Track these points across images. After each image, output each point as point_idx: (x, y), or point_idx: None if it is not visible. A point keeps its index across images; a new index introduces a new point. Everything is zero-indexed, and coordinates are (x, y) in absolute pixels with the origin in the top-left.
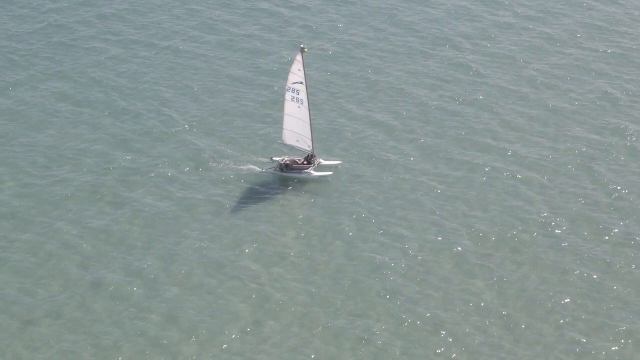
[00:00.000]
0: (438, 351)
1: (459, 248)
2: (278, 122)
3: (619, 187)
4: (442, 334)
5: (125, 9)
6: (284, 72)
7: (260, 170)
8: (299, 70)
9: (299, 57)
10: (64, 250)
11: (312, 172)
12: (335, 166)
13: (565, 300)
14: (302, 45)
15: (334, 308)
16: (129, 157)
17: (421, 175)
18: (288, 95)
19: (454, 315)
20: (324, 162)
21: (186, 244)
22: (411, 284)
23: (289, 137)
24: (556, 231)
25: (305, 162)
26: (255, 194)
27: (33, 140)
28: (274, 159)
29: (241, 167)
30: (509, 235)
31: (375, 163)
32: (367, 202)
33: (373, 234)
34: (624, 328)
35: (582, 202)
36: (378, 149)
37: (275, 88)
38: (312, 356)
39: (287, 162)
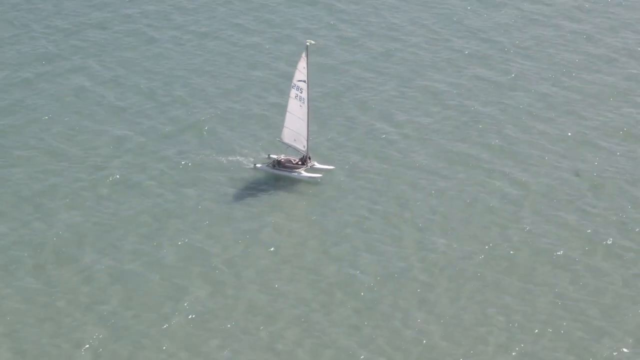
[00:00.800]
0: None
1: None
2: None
3: None
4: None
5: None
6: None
7: (254, 165)
8: (304, 68)
9: (304, 55)
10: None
11: (302, 172)
12: (329, 171)
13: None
14: (307, 42)
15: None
16: (131, 154)
17: (422, 177)
18: (292, 93)
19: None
20: (317, 166)
21: (175, 239)
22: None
23: (287, 136)
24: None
25: (299, 163)
26: (248, 189)
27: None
28: (271, 156)
29: (237, 161)
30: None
31: (375, 164)
32: (362, 201)
33: (369, 233)
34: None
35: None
36: (379, 150)
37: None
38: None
39: (281, 159)
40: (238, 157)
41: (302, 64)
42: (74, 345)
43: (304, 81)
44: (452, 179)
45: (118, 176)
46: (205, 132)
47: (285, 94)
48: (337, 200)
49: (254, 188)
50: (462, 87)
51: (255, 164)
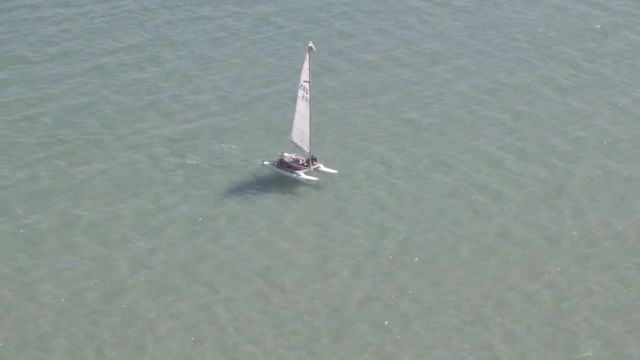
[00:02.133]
0: None
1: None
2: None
3: None
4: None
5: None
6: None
7: (262, 162)
8: (308, 68)
9: (308, 55)
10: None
11: (301, 174)
12: (332, 175)
13: None
14: (310, 44)
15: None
16: (135, 150)
17: (423, 179)
18: (300, 93)
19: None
20: (322, 168)
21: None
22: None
23: (295, 135)
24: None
25: (304, 164)
26: (247, 188)
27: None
28: (284, 154)
29: (246, 158)
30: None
31: (376, 167)
32: (364, 205)
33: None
34: None
35: None
36: (380, 153)
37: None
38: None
39: (286, 159)
40: (246, 154)
41: (306, 65)
42: None
43: (308, 82)
44: (455, 185)
45: (118, 175)
46: (215, 127)
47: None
48: (334, 205)
49: (253, 187)
50: (471, 91)
51: (262, 162)
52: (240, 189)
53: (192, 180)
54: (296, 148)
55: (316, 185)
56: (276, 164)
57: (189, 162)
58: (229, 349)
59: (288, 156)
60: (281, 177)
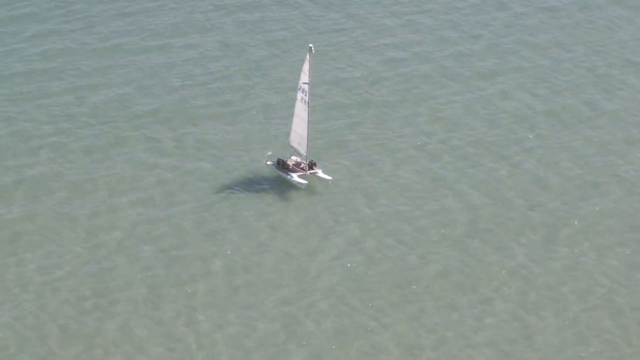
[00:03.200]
0: None
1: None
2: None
3: None
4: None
5: None
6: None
7: (266, 162)
8: (308, 70)
9: (308, 57)
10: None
11: (294, 176)
12: (326, 181)
13: None
14: (310, 45)
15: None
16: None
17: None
18: (298, 95)
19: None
20: (320, 175)
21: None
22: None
23: (293, 139)
24: None
25: (303, 167)
26: (256, 185)
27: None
28: (292, 157)
29: (251, 156)
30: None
31: (372, 170)
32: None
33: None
34: None
35: None
36: (376, 157)
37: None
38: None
39: (287, 160)
40: (253, 153)
41: (306, 66)
42: None
43: (307, 83)
44: (456, 191)
45: (118, 174)
46: (221, 125)
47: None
48: (326, 211)
49: (250, 186)
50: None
51: (266, 161)
52: (237, 187)
53: (193, 181)
54: (293, 153)
55: (306, 189)
56: (275, 164)
57: (192, 158)
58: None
59: (294, 160)
60: (280, 178)
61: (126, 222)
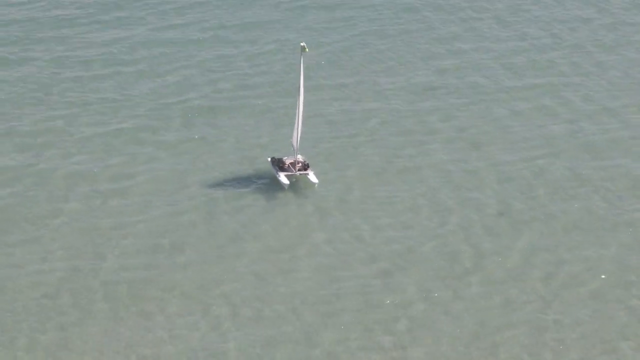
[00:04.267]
0: None
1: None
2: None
3: None
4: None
5: None
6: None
7: (268, 158)
8: (302, 69)
9: (301, 56)
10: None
11: (281, 175)
12: (313, 183)
13: None
14: (302, 44)
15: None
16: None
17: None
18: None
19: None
20: (310, 177)
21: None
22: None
23: (294, 137)
24: None
25: (299, 168)
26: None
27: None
28: (298, 157)
29: (255, 153)
30: None
31: (368, 173)
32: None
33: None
34: None
35: None
36: (373, 160)
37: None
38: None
39: (283, 159)
40: (257, 150)
41: (301, 66)
42: None
43: (300, 83)
44: (452, 195)
45: (119, 173)
46: (224, 121)
47: (309, 92)
48: (317, 214)
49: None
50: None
51: (269, 157)
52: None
53: (193, 180)
54: (291, 151)
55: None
56: (271, 161)
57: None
58: None
59: (292, 159)
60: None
61: (118, 219)
